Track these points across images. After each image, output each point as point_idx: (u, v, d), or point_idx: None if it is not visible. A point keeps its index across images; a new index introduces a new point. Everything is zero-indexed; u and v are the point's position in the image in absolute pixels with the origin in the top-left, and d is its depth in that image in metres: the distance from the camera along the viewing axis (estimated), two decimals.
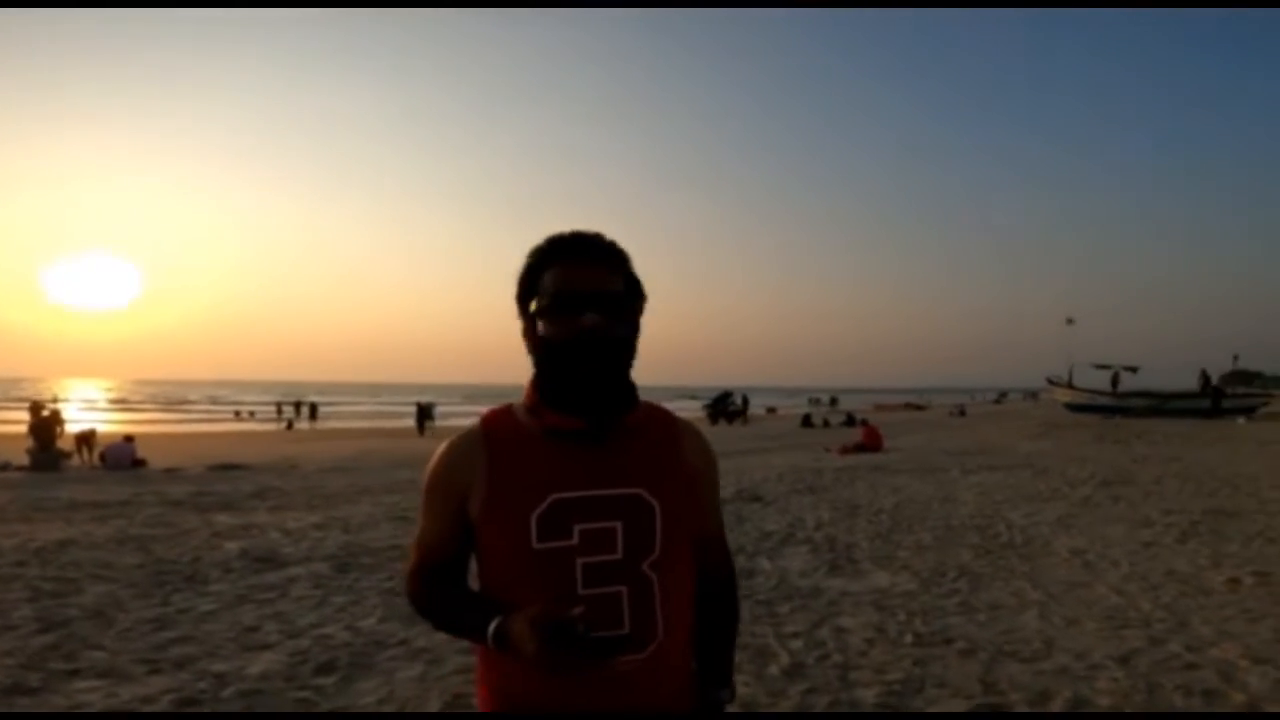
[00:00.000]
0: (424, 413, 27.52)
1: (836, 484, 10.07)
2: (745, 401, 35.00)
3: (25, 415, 30.97)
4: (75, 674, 3.42)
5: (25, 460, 12.90)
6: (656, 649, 1.12)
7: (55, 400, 28.25)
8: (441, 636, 4.06)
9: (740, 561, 5.57)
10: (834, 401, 59.66)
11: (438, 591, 1.18)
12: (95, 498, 9.22)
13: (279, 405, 39.60)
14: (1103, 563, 5.64)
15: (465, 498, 1.15)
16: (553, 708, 1.10)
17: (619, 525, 1.11)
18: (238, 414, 44.68)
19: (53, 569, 5.23)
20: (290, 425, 33.09)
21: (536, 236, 1.18)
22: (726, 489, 9.09)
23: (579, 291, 1.10)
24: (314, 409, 35.81)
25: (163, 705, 3.11)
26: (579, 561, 1.09)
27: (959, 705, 3.19)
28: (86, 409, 45.49)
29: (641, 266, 1.20)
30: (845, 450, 15.89)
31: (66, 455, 13.46)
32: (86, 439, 14.56)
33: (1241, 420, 26.50)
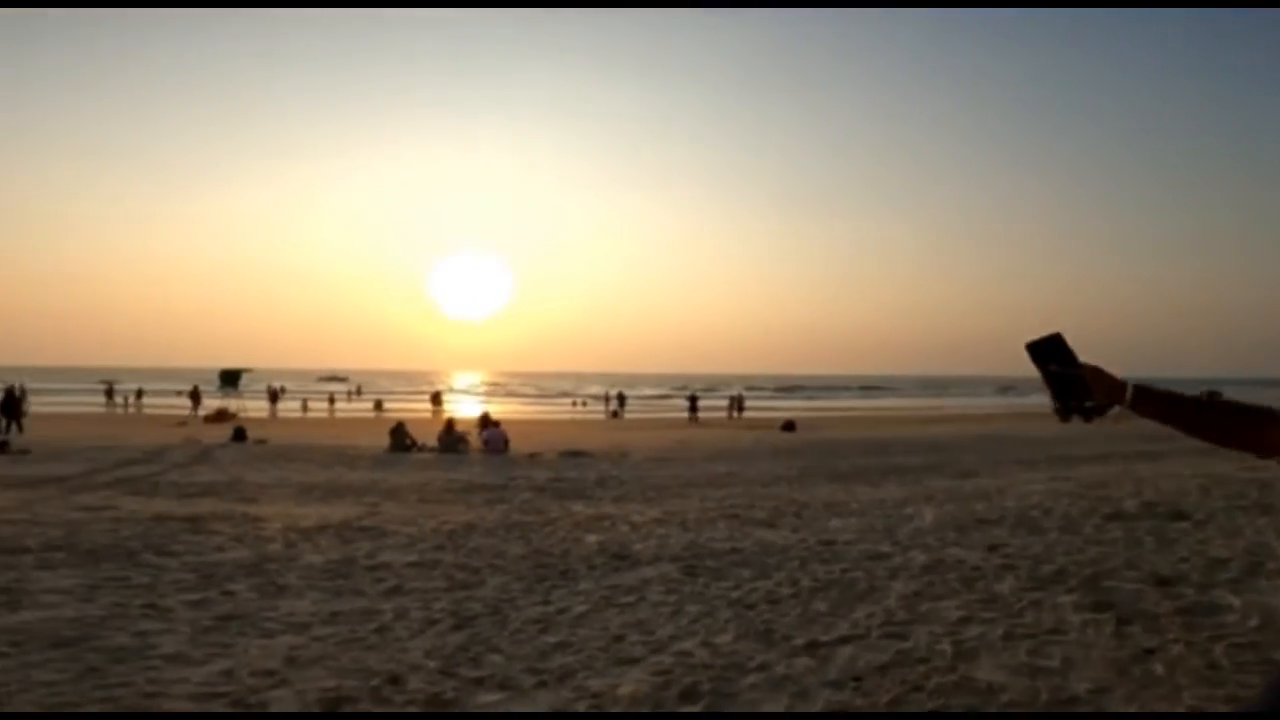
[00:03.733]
0: (692, 402, 32.70)
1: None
2: None
3: (427, 404, 38.72)
4: (479, 684, 3.46)
5: (434, 444, 15.72)
6: None
7: (449, 391, 34.46)
8: (804, 664, 3.75)
9: (1191, 595, 4.40)
10: None
11: None
12: (483, 480, 10.78)
13: (606, 395, 43.74)
14: None
15: None
16: None
17: None
18: (574, 403, 50.46)
19: (461, 555, 6.02)
20: (616, 414, 36.33)
21: None
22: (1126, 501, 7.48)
23: None
24: (622, 399, 38.93)
25: None
26: None
27: None
28: (469, 399, 55.15)
29: None
30: None
31: (465, 440, 16.07)
32: (476, 428, 17.29)
33: None
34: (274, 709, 3.08)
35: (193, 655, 3.64)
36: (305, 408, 37.52)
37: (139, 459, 12.73)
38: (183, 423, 25.18)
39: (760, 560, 5.84)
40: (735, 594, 4.95)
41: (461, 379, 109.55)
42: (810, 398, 65.28)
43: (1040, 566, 5.26)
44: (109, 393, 40.99)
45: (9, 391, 20.00)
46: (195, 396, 33.18)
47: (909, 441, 17.90)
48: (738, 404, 34.74)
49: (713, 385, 78.09)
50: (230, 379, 57.15)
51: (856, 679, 3.51)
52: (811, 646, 3.93)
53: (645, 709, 3.25)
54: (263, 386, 42.39)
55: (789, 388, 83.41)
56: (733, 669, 3.67)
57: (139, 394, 39.48)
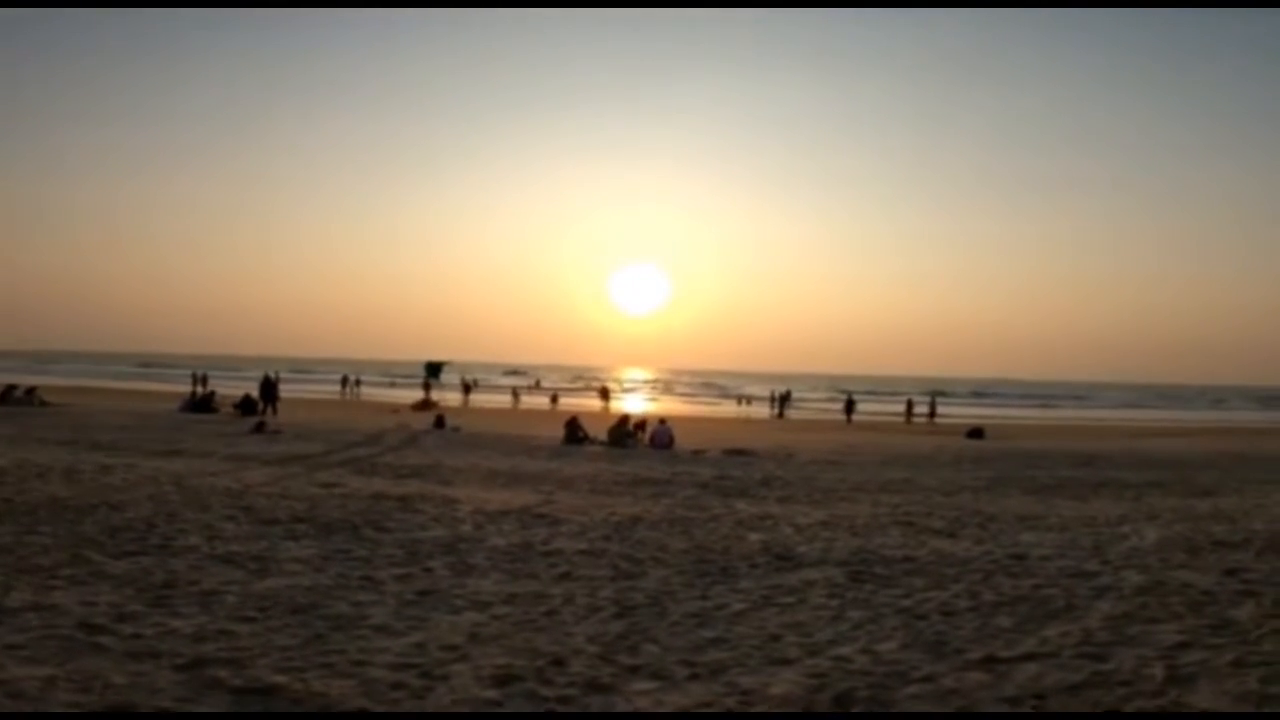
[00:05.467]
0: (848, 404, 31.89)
1: None
2: None
3: (597, 399, 40.46)
4: (635, 672, 3.46)
5: (604, 437, 16.27)
6: None
7: (617, 386, 35.67)
8: (976, 678, 3.38)
9: None
10: None
11: None
12: (649, 474, 10.95)
13: (772, 395, 42.91)
14: None
15: None
16: None
17: None
18: (738, 401, 50.03)
19: (627, 546, 6.13)
20: (781, 414, 35.53)
21: None
22: None
23: None
24: (786, 399, 38.06)
25: None
26: None
27: None
28: (634, 395, 56.70)
29: None
30: None
31: (634, 435, 16.48)
32: (640, 425, 17.68)
33: None
34: (453, 682, 3.28)
35: (395, 627, 3.99)
36: (516, 397, 41.00)
37: (362, 442, 14.40)
38: (395, 410, 28.20)
39: (936, 570, 5.43)
40: (905, 603, 4.64)
41: (627, 375, 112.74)
42: (1001, 404, 59.39)
43: None
44: (344, 381, 47.24)
45: (267, 378, 23.54)
46: (427, 387, 40.60)
47: (1125, 455, 15.77)
48: (929, 408, 32.81)
49: (893, 388, 73.63)
50: (434, 370, 63.22)
51: (1038, 697, 3.19)
52: (988, 661, 3.61)
53: (795, 710, 3.11)
54: (458, 378, 46.57)
55: (980, 393, 76.06)
56: (894, 678, 3.44)
57: (358, 383, 45.59)
